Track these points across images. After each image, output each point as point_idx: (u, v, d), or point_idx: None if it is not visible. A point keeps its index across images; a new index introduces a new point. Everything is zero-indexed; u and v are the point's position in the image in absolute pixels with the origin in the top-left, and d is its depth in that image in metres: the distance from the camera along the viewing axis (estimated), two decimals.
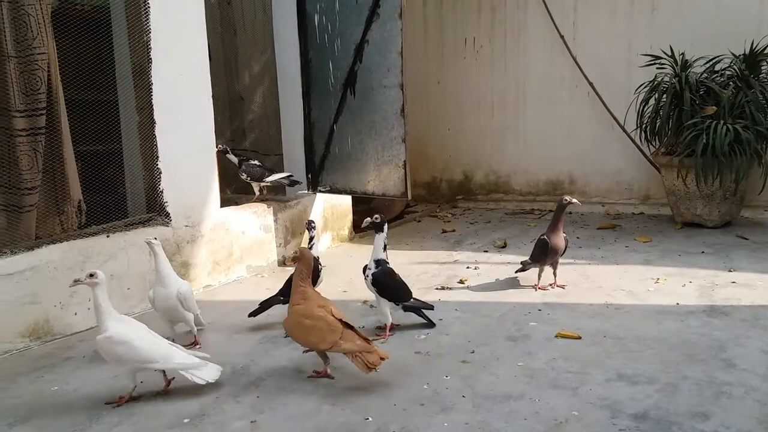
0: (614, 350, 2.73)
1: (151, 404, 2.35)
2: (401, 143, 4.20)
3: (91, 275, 2.37)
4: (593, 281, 3.74)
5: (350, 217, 5.18)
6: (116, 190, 3.82)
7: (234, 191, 5.05)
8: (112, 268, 3.30)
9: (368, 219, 2.96)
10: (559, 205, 3.52)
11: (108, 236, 3.32)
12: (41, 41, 3.00)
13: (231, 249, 4.05)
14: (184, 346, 2.56)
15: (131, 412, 2.29)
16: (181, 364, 2.38)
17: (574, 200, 3.53)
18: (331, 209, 4.95)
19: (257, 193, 4.45)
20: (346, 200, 5.10)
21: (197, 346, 2.88)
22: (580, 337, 2.86)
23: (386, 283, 2.97)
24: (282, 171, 4.67)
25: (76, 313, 3.14)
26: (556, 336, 2.88)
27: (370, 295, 3.28)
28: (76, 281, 2.38)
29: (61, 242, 3.12)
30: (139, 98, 3.55)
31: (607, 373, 2.51)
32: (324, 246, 4.77)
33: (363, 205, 5.36)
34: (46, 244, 3.06)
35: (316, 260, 3.15)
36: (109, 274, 3.28)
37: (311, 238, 3.26)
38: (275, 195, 4.78)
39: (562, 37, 5.87)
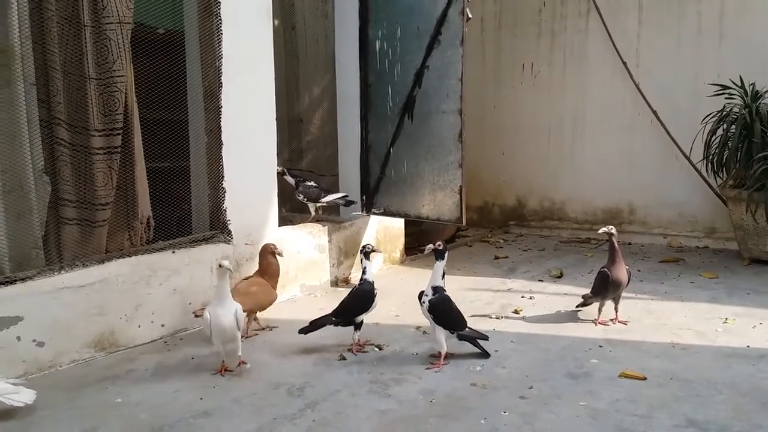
0: (682, 394, 2.61)
1: (213, 422, 2.39)
2: (458, 168, 4.19)
3: None
4: (657, 318, 3.59)
5: (402, 239, 5.18)
6: (181, 207, 3.94)
7: (289, 210, 5.14)
8: (175, 283, 3.41)
9: (430, 245, 2.95)
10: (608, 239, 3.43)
11: (174, 252, 3.43)
12: (121, 64, 3.16)
13: (286, 268, 4.10)
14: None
15: (192, 429, 2.33)
16: None
17: (612, 230, 3.43)
18: (384, 231, 4.96)
19: (313, 213, 4.52)
20: (398, 223, 5.11)
21: (247, 366, 2.87)
22: (645, 378, 2.74)
23: (443, 310, 2.94)
24: (337, 191, 4.74)
25: (139, 326, 3.24)
26: (619, 375, 2.77)
27: (424, 320, 3.26)
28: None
29: (130, 257, 3.24)
30: (208, 120, 3.69)
31: (676, 418, 2.40)
32: (375, 268, 4.78)
33: (413, 227, 5.37)
34: (116, 258, 3.19)
35: (372, 286, 3.14)
36: (173, 289, 3.41)
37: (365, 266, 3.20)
38: (329, 215, 4.84)
39: (624, 63, 5.75)
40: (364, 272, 3.15)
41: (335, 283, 4.48)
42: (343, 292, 4.34)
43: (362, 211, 4.80)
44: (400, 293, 4.10)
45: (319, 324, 3.13)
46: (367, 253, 3.16)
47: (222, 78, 3.59)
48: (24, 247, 2.96)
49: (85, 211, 3.16)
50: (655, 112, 5.61)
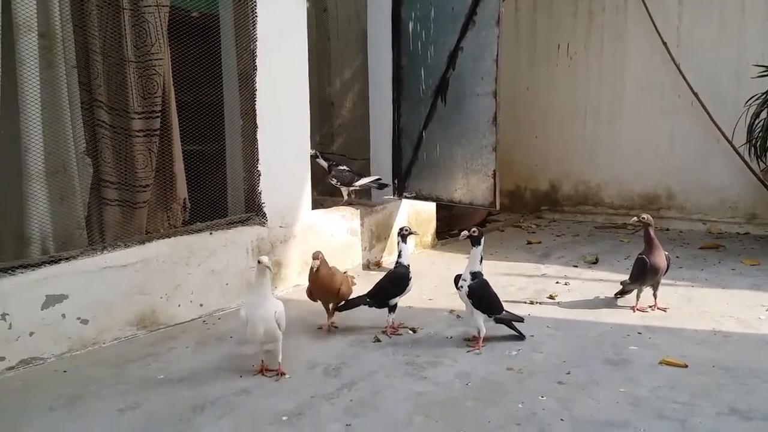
0: (724, 382, 2.55)
1: (252, 400, 2.43)
2: (491, 152, 4.13)
3: None
4: (697, 305, 3.51)
5: (434, 223, 5.16)
6: (217, 189, 3.99)
7: (320, 193, 5.16)
8: (213, 264, 3.46)
9: (465, 232, 2.93)
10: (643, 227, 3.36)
11: (211, 233, 3.48)
12: (159, 47, 3.19)
13: (320, 251, 4.13)
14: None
15: (233, 407, 2.38)
16: None
17: (646, 218, 3.36)
18: (415, 215, 4.94)
19: (345, 197, 4.53)
20: (430, 207, 5.08)
21: (286, 376, 2.64)
22: (686, 366, 2.69)
23: (482, 295, 2.93)
24: (368, 175, 4.73)
25: (179, 305, 3.31)
26: (660, 363, 2.72)
27: (457, 304, 3.25)
28: None
29: (169, 237, 3.30)
30: (243, 103, 3.70)
31: (718, 405, 2.35)
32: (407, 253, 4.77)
33: (444, 212, 5.34)
34: (156, 238, 3.24)
35: (407, 270, 3.13)
36: (210, 270, 3.46)
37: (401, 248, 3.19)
38: (361, 199, 4.84)
39: (665, 44, 5.57)
40: (399, 255, 3.15)
41: (367, 267, 4.49)
42: (376, 275, 4.36)
43: (394, 195, 4.78)
44: (432, 277, 4.09)
45: (353, 303, 3.15)
46: (404, 236, 3.15)
47: (257, 61, 3.59)
48: (68, 227, 3.04)
49: (125, 193, 3.22)
50: (695, 94, 5.44)
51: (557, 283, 4.00)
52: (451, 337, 3.09)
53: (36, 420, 2.28)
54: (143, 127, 3.21)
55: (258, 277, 2.62)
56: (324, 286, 3.05)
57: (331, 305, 3.17)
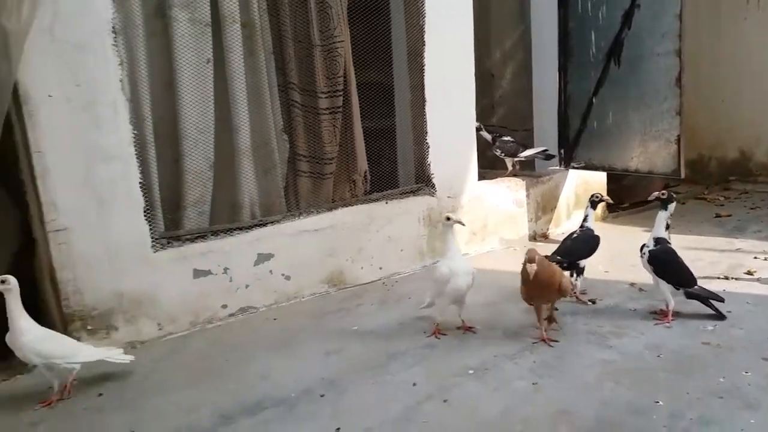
0: None
1: (438, 354, 2.61)
2: (675, 116, 3.85)
3: (2, 281, 2.27)
4: None
5: (604, 195, 4.93)
6: (389, 162, 4.23)
7: (480, 166, 5.20)
8: (389, 231, 3.70)
9: (655, 193, 2.81)
10: None
11: (387, 203, 3.72)
12: (340, 30, 3.45)
13: (486, 221, 4.21)
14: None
15: (424, 356, 2.57)
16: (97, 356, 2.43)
17: None
18: (583, 186, 4.78)
19: (510, 168, 4.52)
20: (599, 177, 4.87)
21: (475, 330, 2.78)
22: None
23: (664, 261, 2.79)
24: (531, 146, 4.67)
25: (362, 267, 3.61)
26: None
27: (636, 277, 3.13)
28: None
29: (352, 206, 3.60)
30: (412, 78, 3.88)
31: None
32: (576, 225, 4.64)
33: (612, 184, 5.07)
34: (341, 206, 3.56)
35: (594, 232, 3.10)
36: (387, 236, 3.71)
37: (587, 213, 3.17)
38: (525, 170, 4.79)
39: None
40: (585, 219, 3.13)
41: (533, 238, 4.47)
42: (542, 247, 4.31)
43: (560, 166, 4.67)
44: (606, 249, 3.90)
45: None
46: (594, 202, 3.15)
47: (425, 36, 3.73)
48: (270, 196, 3.46)
49: (315, 165, 3.57)
50: None
51: (756, 258, 3.64)
52: (635, 310, 2.98)
53: (260, 357, 2.67)
54: (328, 105, 3.51)
55: (448, 234, 2.70)
56: (544, 284, 2.55)
57: (549, 305, 2.74)
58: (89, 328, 2.71)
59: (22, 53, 2.33)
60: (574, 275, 3.09)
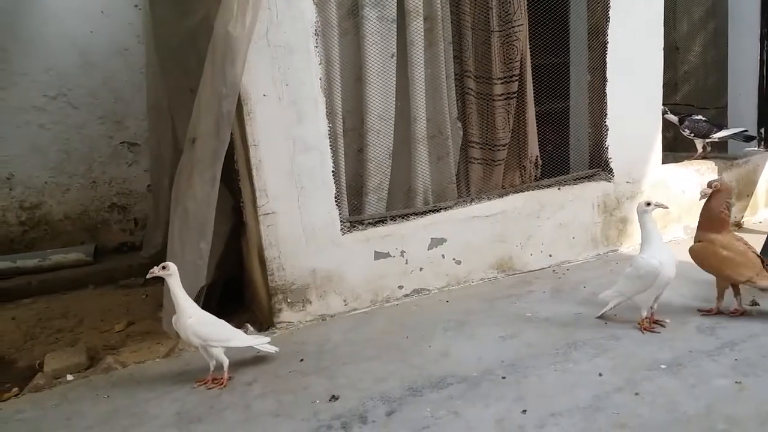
0: None
1: (623, 346, 2.54)
2: None
3: (164, 267, 2.42)
4: None
5: None
6: (560, 147, 4.11)
7: None
8: (560, 218, 3.64)
9: None
10: None
11: (559, 189, 3.65)
12: (520, 14, 3.41)
13: (669, 208, 3.91)
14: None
15: (605, 349, 2.52)
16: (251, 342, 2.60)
17: None
18: None
19: (700, 150, 4.15)
20: None
21: (667, 321, 2.67)
22: None
23: None
24: (725, 126, 4.21)
25: (531, 254, 3.60)
26: None
27: None
28: (151, 273, 2.43)
29: (523, 192, 3.59)
30: (592, 58, 3.71)
31: None
32: None
33: None
34: (512, 192, 3.57)
35: None
36: (558, 223, 3.65)
37: None
38: (717, 153, 4.36)
39: None
40: None
41: None
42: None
43: (760, 146, 4.18)
44: None
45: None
46: None
47: (610, 12, 3.53)
48: (442, 182, 3.57)
49: (487, 152, 3.61)
50: None
51: None
52: None
53: (437, 336, 2.83)
54: (503, 91, 3.51)
55: (647, 221, 2.60)
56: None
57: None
58: (288, 301, 3.08)
59: (246, 58, 2.67)
60: None
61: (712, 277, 2.76)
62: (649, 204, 2.58)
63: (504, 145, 3.58)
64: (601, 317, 2.80)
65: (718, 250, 2.63)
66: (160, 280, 2.53)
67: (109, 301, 3.99)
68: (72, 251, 4.62)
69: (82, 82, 4.84)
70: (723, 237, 2.65)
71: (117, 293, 4.14)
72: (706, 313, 2.74)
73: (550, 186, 3.65)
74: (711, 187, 2.68)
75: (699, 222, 2.76)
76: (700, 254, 2.70)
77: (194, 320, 2.46)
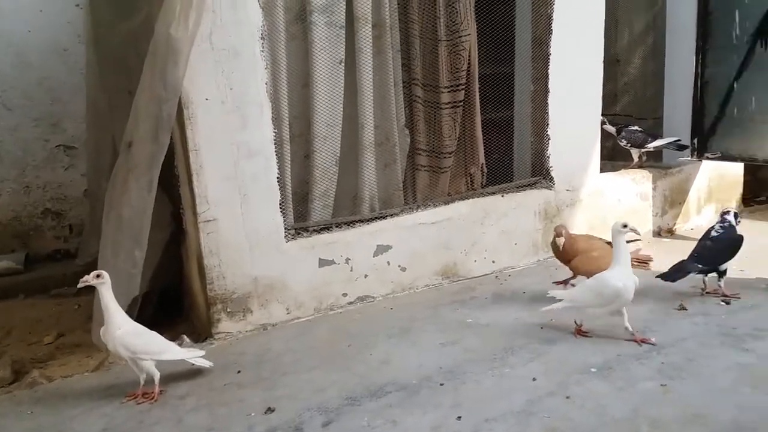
0: None
1: (557, 350, 2.62)
2: None
3: (98, 275, 2.36)
4: None
5: (740, 188, 4.59)
6: (503, 154, 4.19)
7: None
8: (504, 225, 3.72)
9: None
10: None
11: (503, 196, 3.73)
12: (467, 24, 3.46)
13: (605, 215, 4.06)
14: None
15: (540, 353, 2.60)
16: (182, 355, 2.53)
17: None
18: (717, 179, 4.47)
19: (635, 159, 4.32)
20: (736, 169, 4.54)
21: (653, 341, 2.62)
22: None
23: None
24: (660, 136, 4.40)
25: (475, 261, 3.66)
26: None
27: None
28: (84, 281, 2.36)
29: (468, 199, 3.65)
30: (535, 69, 3.81)
31: None
32: (706, 220, 4.35)
33: (748, 176, 4.68)
34: (457, 200, 3.62)
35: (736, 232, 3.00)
36: (501, 230, 3.72)
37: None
38: (651, 162, 4.54)
39: None
40: (736, 217, 3.03)
41: (658, 234, 4.26)
42: (667, 243, 4.11)
43: (692, 156, 4.38)
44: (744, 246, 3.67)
45: (683, 271, 2.94)
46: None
47: (552, 24, 3.63)
48: (389, 189, 3.59)
49: (434, 159, 3.65)
50: None
51: None
52: None
53: (380, 343, 2.84)
54: (450, 100, 3.56)
55: (621, 243, 2.61)
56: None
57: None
58: (228, 310, 3.02)
59: (188, 61, 2.60)
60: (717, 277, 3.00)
61: None
62: (625, 226, 2.60)
63: (450, 153, 3.63)
64: (547, 312, 2.80)
65: (589, 255, 3.07)
66: (94, 290, 2.44)
67: (39, 311, 3.81)
68: (2, 259, 4.40)
69: (16, 83, 4.61)
70: (585, 244, 3.16)
71: (48, 303, 3.95)
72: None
73: (494, 193, 3.73)
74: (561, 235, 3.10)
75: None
76: (584, 269, 3.06)
77: (123, 332, 2.37)
